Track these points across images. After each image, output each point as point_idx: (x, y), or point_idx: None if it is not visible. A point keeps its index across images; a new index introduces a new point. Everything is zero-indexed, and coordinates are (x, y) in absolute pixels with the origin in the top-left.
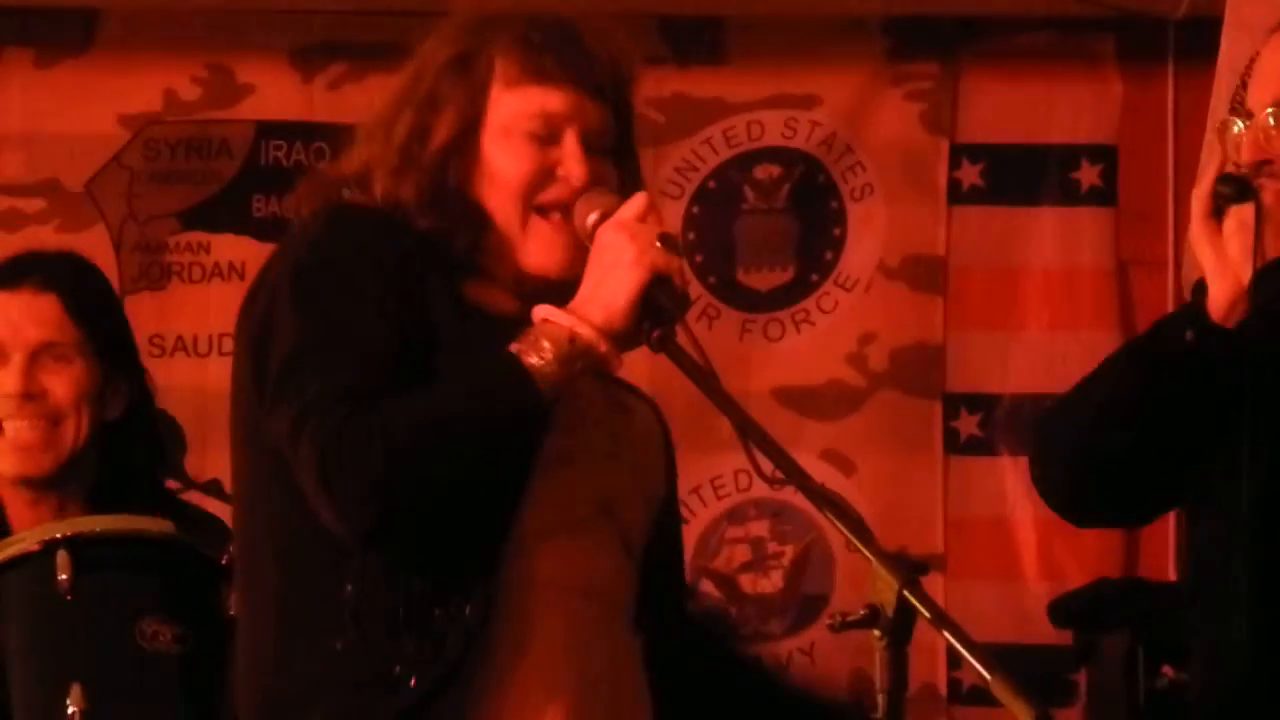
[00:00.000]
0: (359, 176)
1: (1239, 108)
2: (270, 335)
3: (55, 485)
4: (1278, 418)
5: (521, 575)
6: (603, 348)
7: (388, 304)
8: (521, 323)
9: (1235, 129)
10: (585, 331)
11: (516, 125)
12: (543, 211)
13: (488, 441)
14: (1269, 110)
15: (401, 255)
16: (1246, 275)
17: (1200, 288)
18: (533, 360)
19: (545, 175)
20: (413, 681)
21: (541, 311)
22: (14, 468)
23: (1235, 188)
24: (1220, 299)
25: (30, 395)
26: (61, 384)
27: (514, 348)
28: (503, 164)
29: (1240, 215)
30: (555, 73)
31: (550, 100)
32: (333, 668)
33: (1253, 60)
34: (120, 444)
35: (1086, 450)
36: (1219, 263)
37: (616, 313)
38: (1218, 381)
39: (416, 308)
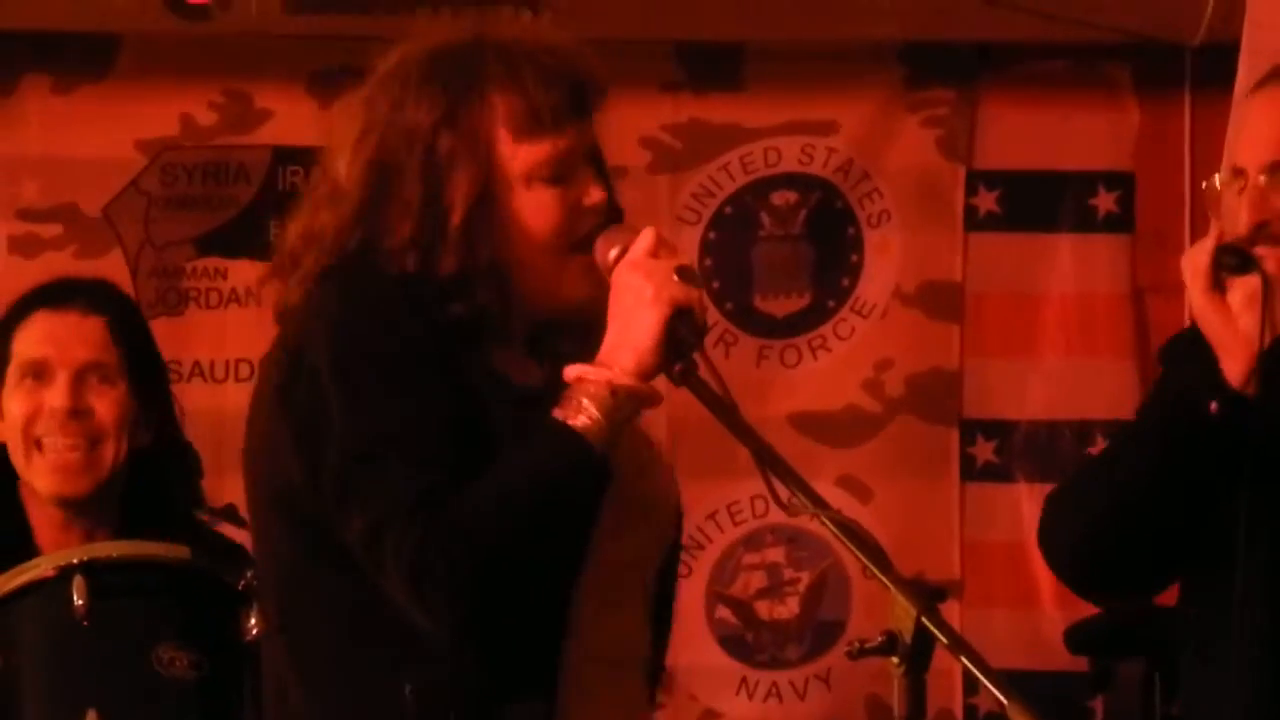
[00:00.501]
0: (360, 253)
1: (1225, 168)
2: (319, 430)
3: (87, 510)
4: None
5: (571, 660)
6: (644, 390)
7: (435, 388)
8: (548, 391)
9: (1220, 185)
10: (624, 380)
11: (538, 174)
12: (579, 248)
13: (563, 517)
14: (1263, 174)
15: (434, 332)
16: (1257, 347)
17: (1171, 353)
18: (579, 421)
19: (574, 212)
20: None
21: (574, 371)
22: (52, 487)
23: (1238, 259)
24: (1236, 371)
25: (76, 412)
26: (105, 405)
27: (557, 414)
28: (533, 216)
29: (1245, 287)
30: (563, 115)
31: (563, 142)
32: None
33: (1235, 118)
34: (149, 472)
35: (1096, 539)
36: (1229, 334)
37: (646, 353)
38: (1239, 450)
39: (458, 385)
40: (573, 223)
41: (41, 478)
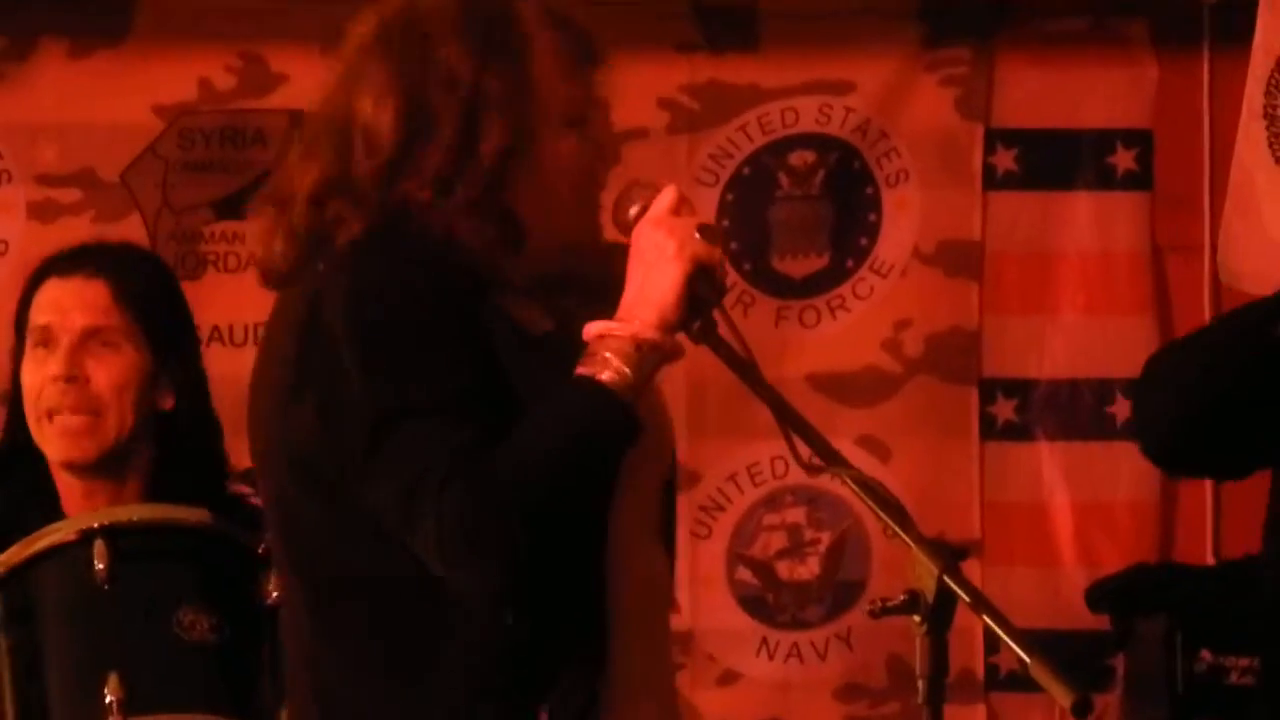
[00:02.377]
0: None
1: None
2: (343, 397)
3: (106, 473)
4: None
5: (619, 606)
6: (668, 345)
7: (458, 349)
8: (563, 338)
9: None
10: (648, 333)
11: (577, 114)
12: (597, 200)
13: (600, 473)
14: None
15: (456, 288)
16: None
17: None
18: (605, 376)
19: (598, 158)
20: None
21: (596, 328)
22: (60, 453)
23: None
24: None
25: (72, 379)
26: (105, 370)
27: (583, 370)
28: (566, 155)
29: None
30: (590, 58)
31: (594, 88)
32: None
33: None
34: (174, 434)
35: (1193, 409)
36: None
37: (668, 308)
38: None
39: (482, 341)
40: (595, 167)
41: (50, 444)
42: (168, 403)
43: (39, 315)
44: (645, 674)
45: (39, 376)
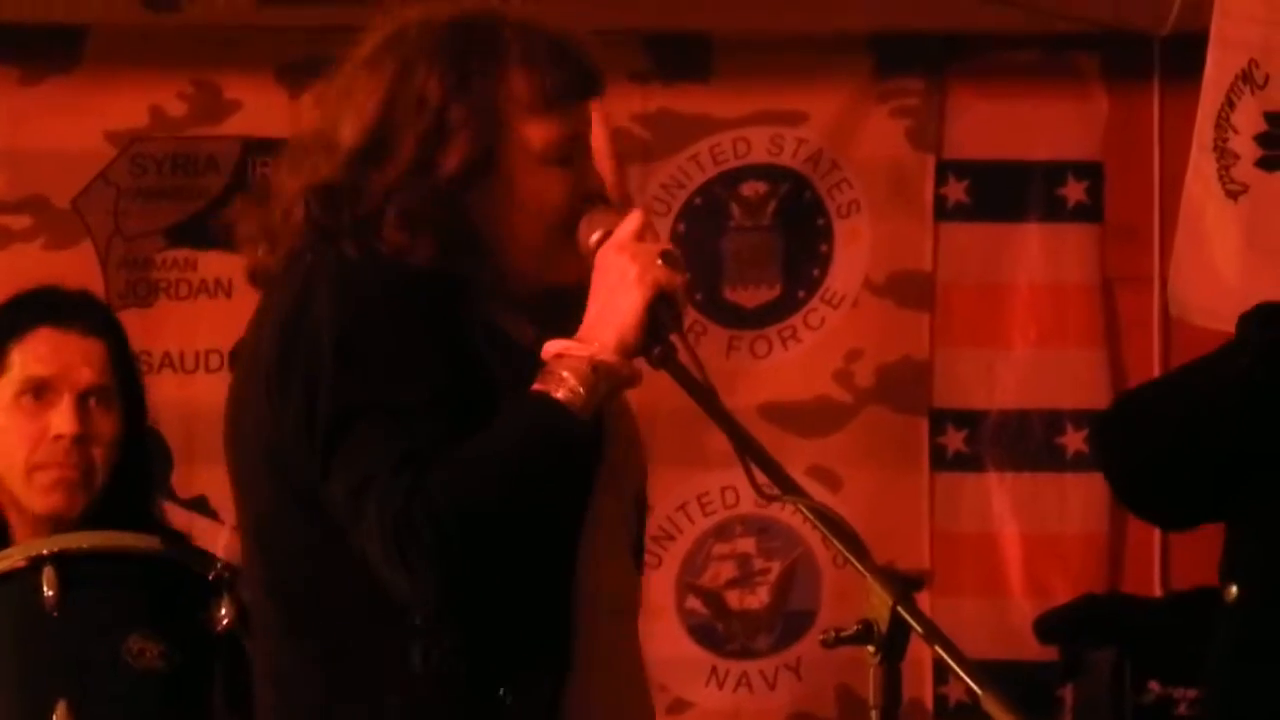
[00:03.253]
0: (348, 200)
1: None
2: (308, 394)
3: None
4: None
5: (583, 615)
6: (624, 369)
7: (434, 356)
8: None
9: None
10: (605, 356)
11: (550, 153)
12: (569, 230)
13: (548, 487)
14: None
15: (435, 299)
16: None
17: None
18: (561, 394)
19: (575, 196)
20: None
21: (554, 347)
22: (48, 508)
23: None
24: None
25: (82, 438)
26: (104, 428)
27: (538, 387)
28: (539, 192)
29: None
30: (577, 95)
31: (580, 124)
32: None
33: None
34: (118, 464)
35: (1163, 455)
36: None
37: (628, 331)
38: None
39: (463, 350)
40: (573, 205)
41: (39, 499)
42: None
43: (35, 365)
44: (610, 689)
45: (33, 429)
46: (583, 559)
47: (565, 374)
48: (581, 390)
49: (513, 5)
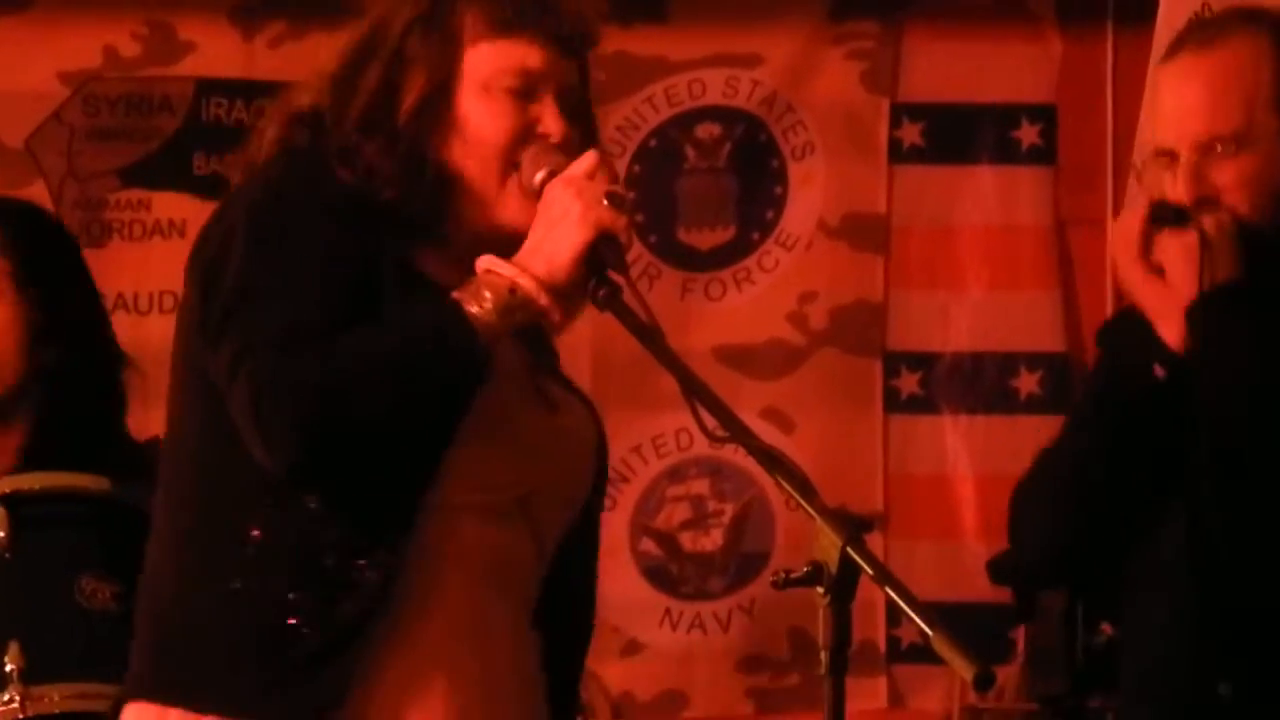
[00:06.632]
0: (316, 128)
1: (1149, 146)
2: (220, 272)
3: None
4: (1229, 438)
5: (432, 547)
6: (543, 301)
7: (339, 250)
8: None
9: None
10: (526, 283)
11: (496, 81)
12: (516, 169)
13: (423, 382)
14: (1195, 153)
15: (357, 210)
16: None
17: (1107, 335)
18: (473, 309)
19: (527, 133)
20: (305, 635)
21: (485, 262)
22: None
23: (1175, 214)
24: (1177, 334)
25: None
26: None
27: (455, 295)
28: (483, 122)
29: (1180, 243)
30: (532, 26)
31: (530, 57)
32: (228, 609)
33: (1151, 88)
34: (60, 392)
35: (1066, 528)
36: (1165, 299)
37: (560, 267)
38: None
39: (366, 263)
40: (521, 139)
41: None
42: (49, 358)
43: None
44: (448, 656)
45: None
46: (436, 506)
47: (485, 292)
48: (494, 310)
49: None
